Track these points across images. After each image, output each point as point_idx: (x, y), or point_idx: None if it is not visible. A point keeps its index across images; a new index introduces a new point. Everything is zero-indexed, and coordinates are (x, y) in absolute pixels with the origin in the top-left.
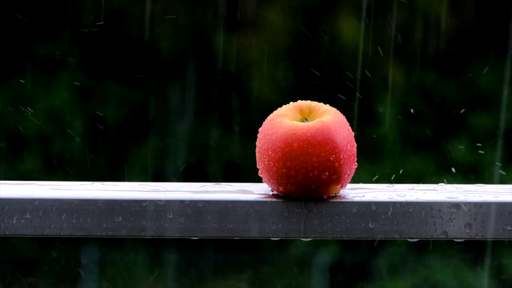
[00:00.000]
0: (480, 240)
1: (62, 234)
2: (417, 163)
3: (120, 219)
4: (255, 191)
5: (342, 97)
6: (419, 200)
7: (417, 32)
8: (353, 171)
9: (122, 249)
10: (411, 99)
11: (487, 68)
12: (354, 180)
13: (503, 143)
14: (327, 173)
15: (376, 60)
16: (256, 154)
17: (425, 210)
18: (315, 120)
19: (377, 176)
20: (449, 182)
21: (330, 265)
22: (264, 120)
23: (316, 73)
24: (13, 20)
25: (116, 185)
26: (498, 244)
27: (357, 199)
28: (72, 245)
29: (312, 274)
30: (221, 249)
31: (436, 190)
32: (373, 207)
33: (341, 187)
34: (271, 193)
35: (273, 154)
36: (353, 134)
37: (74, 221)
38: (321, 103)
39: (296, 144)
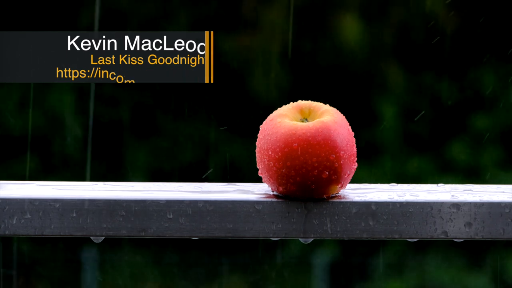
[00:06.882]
0: (480, 240)
1: (62, 234)
2: (417, 163)
3: (120, 219)
4: (255, 191)
5: (342, 97)
6: (419, 200)
7: (418, 32)
8: (353, 171)
9: (122, 249)
10: (411, 99)
11: (487, 68)
12: (354, 180)
13: (503, 143)
14: (327, 173)
15: (376, 60)
16: (256, 154)
17: (425, 210)
18: (315, 120)
19: (376, 176)
20: (449, 182)
21: (330, 265)
22: (264, 120)
23: (316, 73)
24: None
25: (117, 185)
26: (498, 244)
27: (357, 199)
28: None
29: (311, 274)
30: (221, 249)
31: (436, 190)
32: (373, 207)
33: (341, 187)
34: (271, 193)
35: (273, 154)
36: (353, 134)
37: (74, 221)
38: (321, 103)
39: (296, 144)
